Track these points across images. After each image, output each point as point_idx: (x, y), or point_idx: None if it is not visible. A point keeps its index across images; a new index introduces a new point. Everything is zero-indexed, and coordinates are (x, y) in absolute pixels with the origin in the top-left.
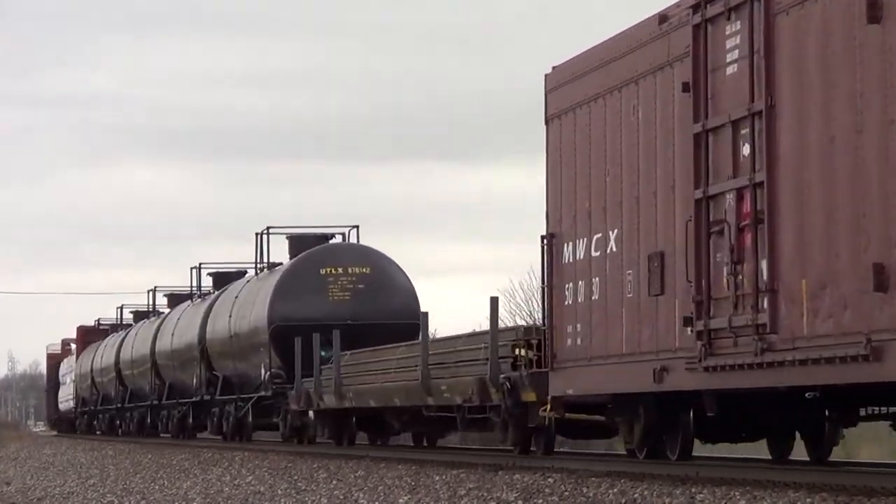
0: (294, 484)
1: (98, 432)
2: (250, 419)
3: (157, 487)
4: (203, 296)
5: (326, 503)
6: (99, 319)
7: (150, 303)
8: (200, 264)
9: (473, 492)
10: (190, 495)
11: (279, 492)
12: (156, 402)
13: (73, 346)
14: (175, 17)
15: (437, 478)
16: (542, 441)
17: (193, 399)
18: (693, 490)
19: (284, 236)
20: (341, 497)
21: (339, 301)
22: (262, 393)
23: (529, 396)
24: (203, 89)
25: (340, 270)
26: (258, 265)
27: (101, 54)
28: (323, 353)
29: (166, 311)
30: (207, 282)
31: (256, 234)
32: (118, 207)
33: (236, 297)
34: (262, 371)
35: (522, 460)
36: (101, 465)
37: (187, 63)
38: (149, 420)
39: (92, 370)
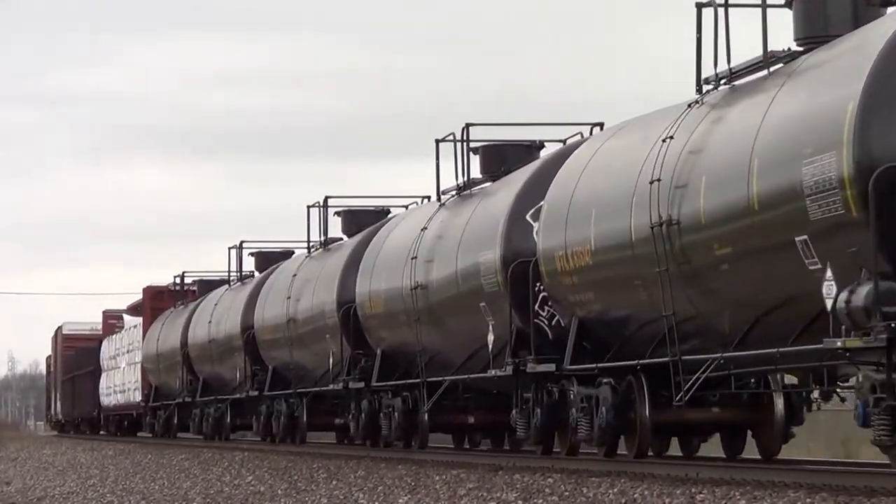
0: (294, 484)
1: (198, 435)
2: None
3: (156, 487)
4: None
5: (326, 503)
6: (183, 273)
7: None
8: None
9: (473, 492)
10: (190, 495)
11: (279, 492)
12: (341, 384)
13: (128, 317)
14: (177, 17)
15: (437, 478)
16: None
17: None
18: (693, 490)
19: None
20: (341, 497)
21: None
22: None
23: None
24: (206, 89)
25: None
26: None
27: (102, 54)
28: None
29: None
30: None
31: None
32: (119, 207)
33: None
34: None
35: (522, 460)
36: (101, 465)
37: (190, 63)
38: (303, 417)
39: (186, 345)
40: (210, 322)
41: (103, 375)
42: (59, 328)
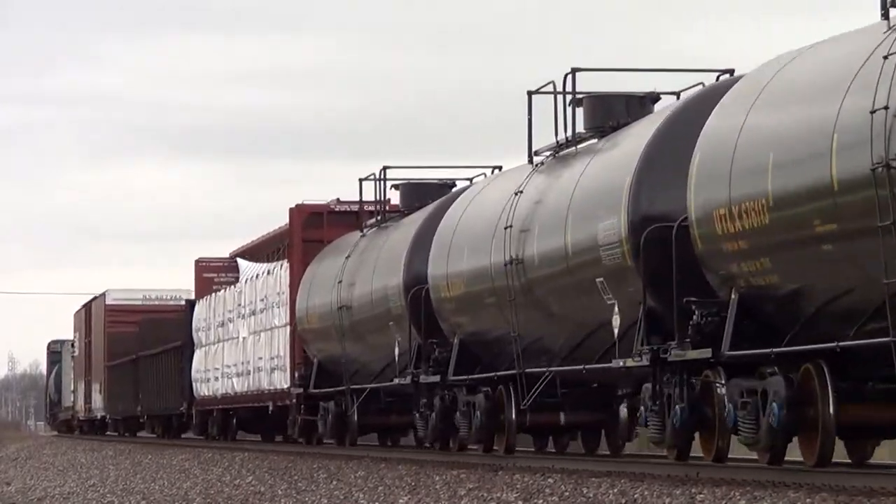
0: (294, 484)
1: (432, 443)
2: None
3: (157, 487)
4: None
5: (326, 503)
6: (384, 169)
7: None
8: None
9: (473, 492)
10: (190, 495)
11: (279, 492)
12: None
13: (244, 263)
14: (178, 17)
15: (437, 478)
16: None
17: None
18: (693, 490)
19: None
20: (341, 497)
21: None
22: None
23: None
24: (206, 88)
25: None
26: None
27: (103, 53)
28: None
29: None
30: None
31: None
32: (119, 207)
33: None
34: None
35: (522, 460)
36: (101, 465)
37: (191, 62)
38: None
39: (416, 285)
40: (511, 226)
41: (197, 353)
42: (100, 297)
